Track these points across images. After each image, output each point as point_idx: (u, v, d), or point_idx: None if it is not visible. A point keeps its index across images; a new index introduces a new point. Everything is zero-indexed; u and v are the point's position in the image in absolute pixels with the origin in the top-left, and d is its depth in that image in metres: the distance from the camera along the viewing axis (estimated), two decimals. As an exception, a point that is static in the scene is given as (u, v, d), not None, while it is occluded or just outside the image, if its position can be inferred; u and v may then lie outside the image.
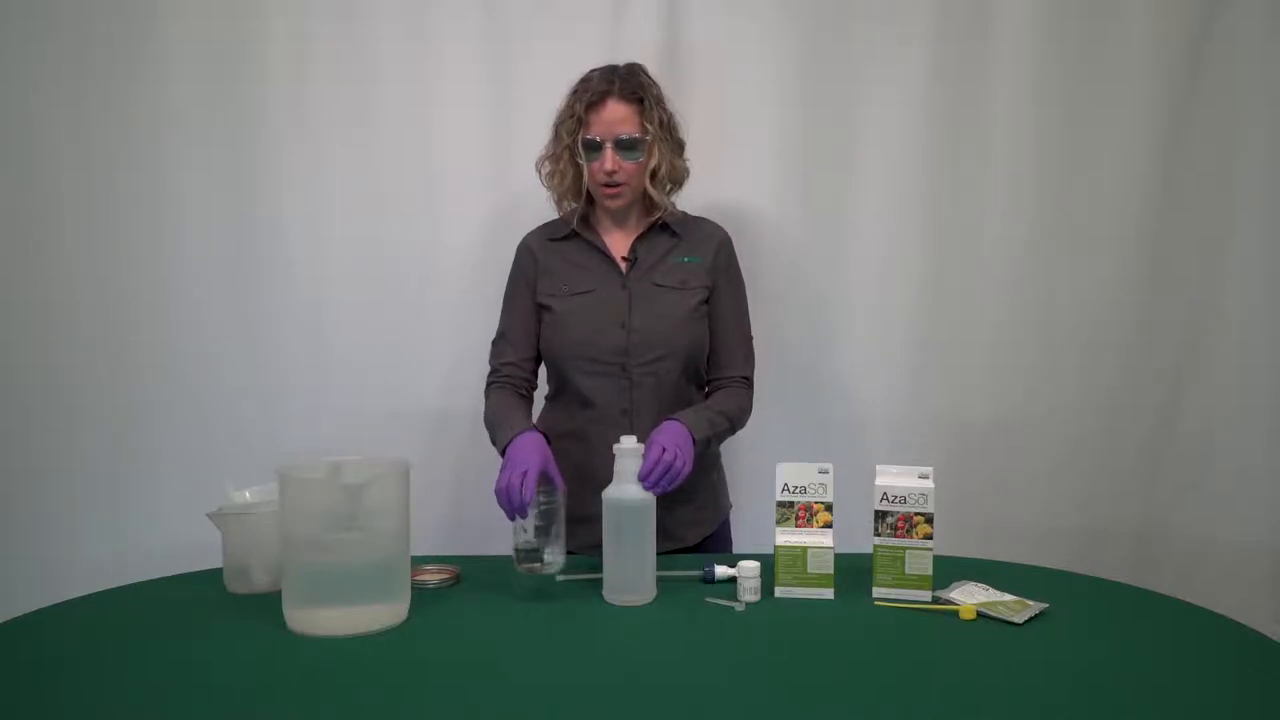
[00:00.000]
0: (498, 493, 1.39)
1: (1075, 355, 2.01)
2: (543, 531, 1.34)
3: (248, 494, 1.44)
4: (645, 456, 1.38)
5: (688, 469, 1.43)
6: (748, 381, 1.69)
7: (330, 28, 1.95)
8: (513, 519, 1.38)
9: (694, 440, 1.49)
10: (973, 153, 1.97)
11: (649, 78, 1.65)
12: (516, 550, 1.35)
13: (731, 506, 1.76)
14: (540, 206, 1.99)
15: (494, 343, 1.72)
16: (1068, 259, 1.99)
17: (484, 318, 2.01)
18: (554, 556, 1.35)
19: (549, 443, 1.50)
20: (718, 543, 1.70)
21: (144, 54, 1.92)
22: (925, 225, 2.00)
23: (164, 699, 1.05)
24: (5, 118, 1.91)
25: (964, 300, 2.01)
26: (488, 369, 1.72)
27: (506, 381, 1.68)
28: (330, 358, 2.02)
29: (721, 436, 1.61)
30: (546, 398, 1.73)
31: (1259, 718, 1.02)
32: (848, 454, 1.82)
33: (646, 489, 1.37)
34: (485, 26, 1.97)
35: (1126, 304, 1.99)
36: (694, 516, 1.67)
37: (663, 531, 1.61)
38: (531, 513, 1.34)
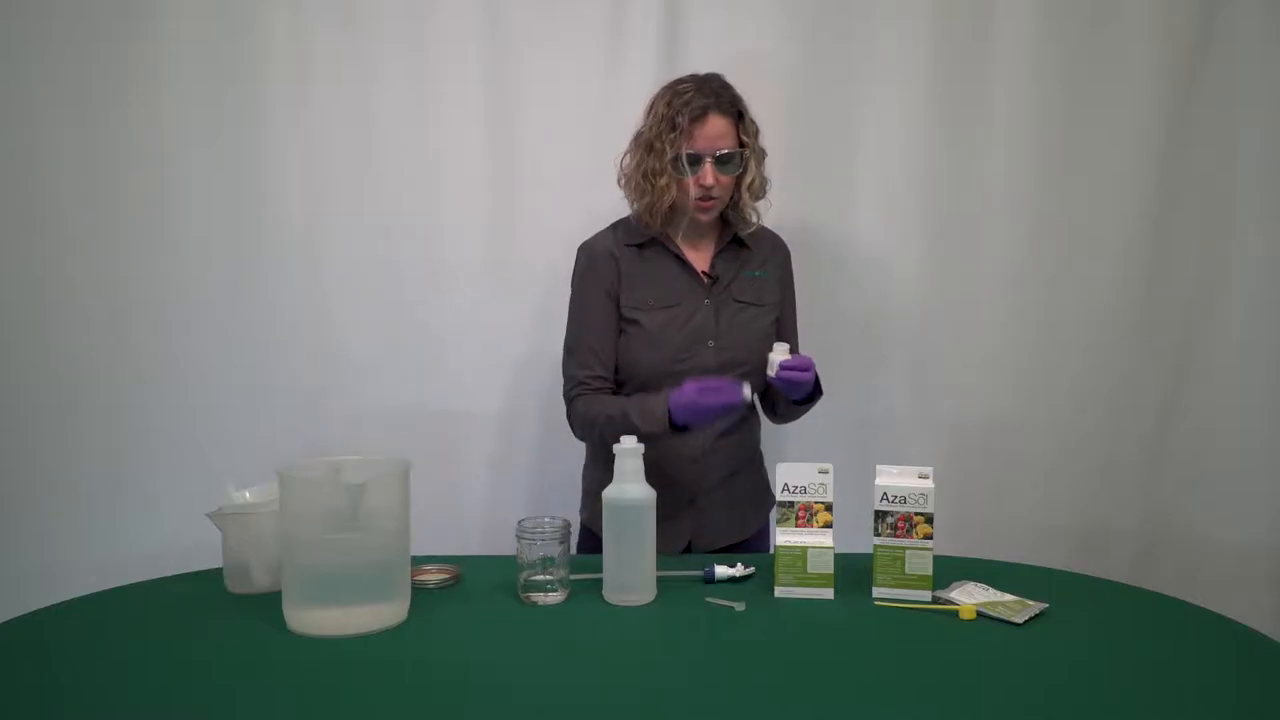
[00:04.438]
0: (706, 398, 1.47)
1: (1075, 355, 2.01)
2: (548, 563, 1.34)
3: (248, 494, 1.44)
4: (796, 362, 1.50)
5: (797, 390, 1.54)
6: None
7: (330, 28, 1.95)
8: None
9: (817, 384, 1.60)
10: (973, 153, 1.97)
11: (734, 88, 1.65)
12: (523, 581, 1.35)
13: (775, 503, 1.77)
14: (541, 206, 1.99)
15: (572, 352, 1.65)
16: (1068, 259, 1.99)
17: (485, 317, 2.02)
18: (559, 587, 1.35)
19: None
20: (764, 538, 1.74)
21: (144, 53, 1.92)
22: (925, 225, 2.00)
23: (164, 699, 1.05)
24: (5, 118, 1.91)
25: (964, 300, 2.01)
26: (564, 380, 1.66)
27: (599, 391, 1.63)
28: (330, 358, 2.02)
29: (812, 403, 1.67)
30: None
31: (1259, 718, 1.02)
32: (848, 454, 1.82)
33: (780, 374, 1.49)
34: (485, 26, 1.96)
35: (1126, 304, 1.99)
36: (750, 513, 1.72)
37: (722, 529, 1.66)
38: (539, 545, 1.34)
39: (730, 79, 1.91)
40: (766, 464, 1.78)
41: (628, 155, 1.65)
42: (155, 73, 1.93)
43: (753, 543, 1.71)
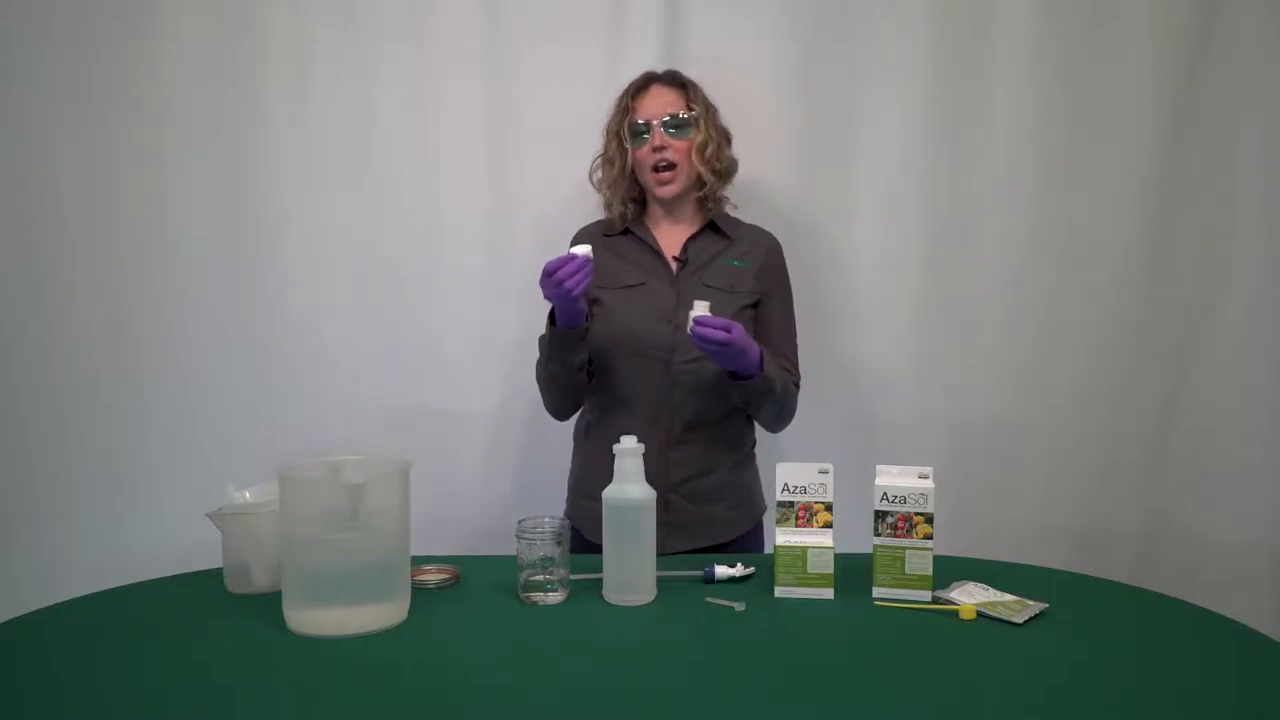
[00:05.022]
0: (554, 268, 1.45)
1: (1075, 355, 2.01)
2: (548, 563, 1.34)
3: (248, 494, 1.44)
4: (712, 321, 1.45)
5: (728, 356, 1.49)
6: (796, 383, 1.72)
7: (330, 28, 1.95)
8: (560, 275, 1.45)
9: (761, 365, 1.54)
10: (973, 152, 1.98)
11: (686, 75, 1.72)
12: (523, 581, 1.35)
13: (766, 509, 1.76)
14: (540, 205, 1.99)
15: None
16: (1068, 259, 1.99)
17: (485, 316, 2.03)
18: (559, 588, 1.35)
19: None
20: (750, 543, 1.71)
21: (144, 53, 1.92)
22: (925, 225, 2.00)
23: (164, 699, 1.05)
24: (5, 118, 1.91)
25: (964, 300, 2.01)
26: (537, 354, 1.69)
27: None
28: (330, 358, 2.02)
29: (775, 394, 1.61)
30: (579, 384, 1.71)
31: (1259, 718, 1.02)
32: (848, 454, 1.82)
33: (694, 329, 1.44)
34: (485, 26, 1.97)
35: (1126, 304, 1.99)
36: (726, 516, 1.68)
37: (693, 530, 1.63)
38: (539, 545, 1.34)
39: (730, 79, 1.93)
40: (769, 464, 1.77)
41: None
42: (155, 73, 1.93)
43: (733, 549, 1.66)
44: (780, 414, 1.68)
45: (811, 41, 1.96)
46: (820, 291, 2.01)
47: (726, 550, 1.65)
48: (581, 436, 1.76)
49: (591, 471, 1.68)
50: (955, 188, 1.99)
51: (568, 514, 1.74)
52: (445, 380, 2.04)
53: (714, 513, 1.66)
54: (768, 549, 1.73)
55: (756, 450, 1.78)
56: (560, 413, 1.72)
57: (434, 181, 2.00)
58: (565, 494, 1.81)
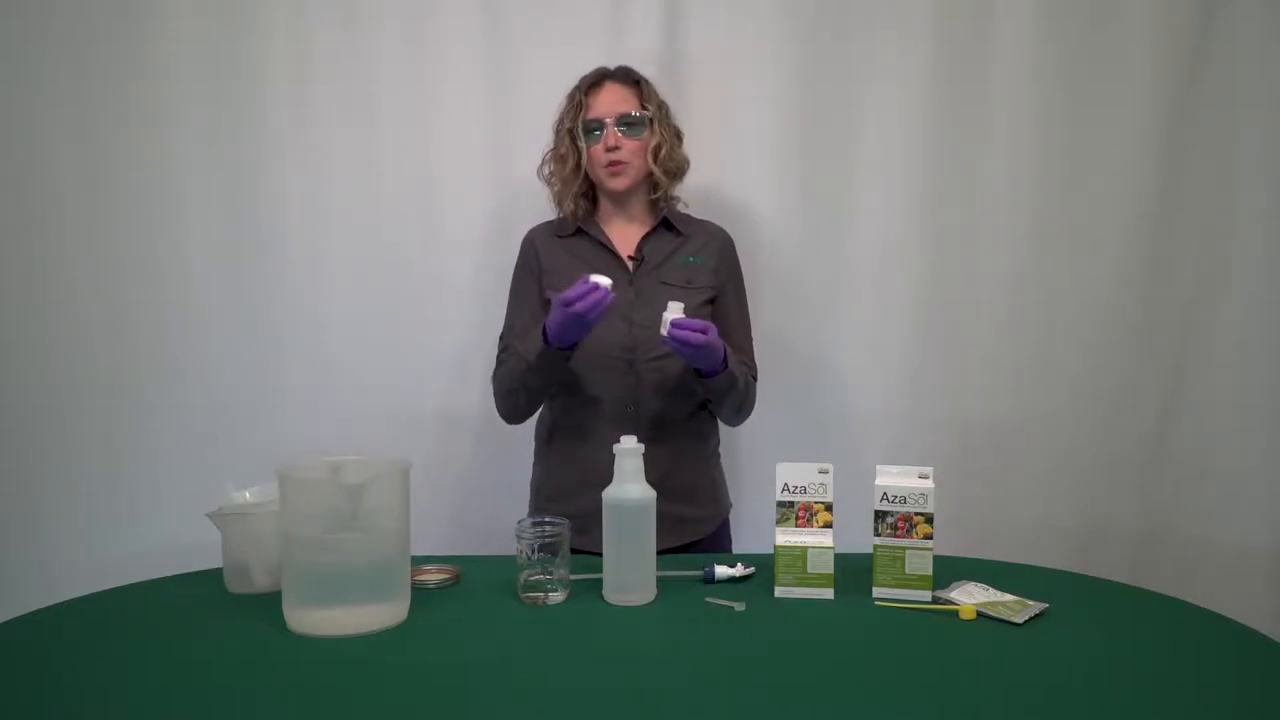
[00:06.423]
0: (573, 299, 1.41)
1: (1075, 355, 2.01)
2: (548, 563, 1.34)
3: (248, 494, 1.44)
4: (690, 323, 1.44)
5: (701, 356, 1.48)
6: (755, 375, 1.71)
7: (331, 27, 1.95)
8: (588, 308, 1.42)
9: (725, 361, 1.53)
10: (973, 153, 1.98)
11: (639, 73, 1.70)
12: (523, 581, 1.35)
13: (731, 506, 1.77)
14: (540, 205, 1.99)
15: (502, 337, 1.70)
16: (1068, 259, 1.99)
17: (485, 317, 2.02)
18: (559, 588, 1.35)
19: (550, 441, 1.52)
20: (717, 542, 1.70)
21: (144, 53, 1.93)
22: (925, 225, 2.00)
23: (164, 699, 1.05)
24: (5, 118, 1.91)
25: (963, 300, 2.01)
26: (493, 364, 1.69)
27: None
28: (330, 358, 2.02)
29: (738, 389, 1.60)
30: (549, 395, 1.72)
31: (1259, 718, 1.02)
32: (848, 454, 1.82)
33: (669, 332, 1.42)
34: (485, 26, 1.97)
35: (1126, 304, 1.99)
36: (693, 515, 1.67)
37: (665, 530, 1.62)
38: (538, 544, 1.34)
39: (730, 79, 1.92)
40: (768, 464, 1.77)
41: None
42: (155, 73, 1.93)
43: (701, 548, 1.65)
44: (741, 408, 1.67)
45: (811, 41, 1.96)
46: (820, 291, 2.01)
47: (695, 549, 1.64)
48: (543, 441, 1.73)
49: (556, 477, 1.67)
50: (955, 188, 1.99)
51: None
52: (445, 380, 2.04)
53: (685, 511, 1.65)
54: (735, 547, 1.74)
55: (731, 449, 1.77)
56: (516, 418, 1.69)
57: (434, 181, 2.00)
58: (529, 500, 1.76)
